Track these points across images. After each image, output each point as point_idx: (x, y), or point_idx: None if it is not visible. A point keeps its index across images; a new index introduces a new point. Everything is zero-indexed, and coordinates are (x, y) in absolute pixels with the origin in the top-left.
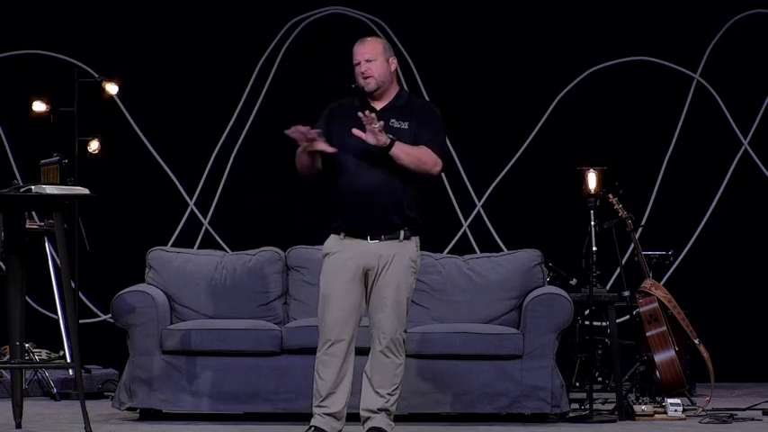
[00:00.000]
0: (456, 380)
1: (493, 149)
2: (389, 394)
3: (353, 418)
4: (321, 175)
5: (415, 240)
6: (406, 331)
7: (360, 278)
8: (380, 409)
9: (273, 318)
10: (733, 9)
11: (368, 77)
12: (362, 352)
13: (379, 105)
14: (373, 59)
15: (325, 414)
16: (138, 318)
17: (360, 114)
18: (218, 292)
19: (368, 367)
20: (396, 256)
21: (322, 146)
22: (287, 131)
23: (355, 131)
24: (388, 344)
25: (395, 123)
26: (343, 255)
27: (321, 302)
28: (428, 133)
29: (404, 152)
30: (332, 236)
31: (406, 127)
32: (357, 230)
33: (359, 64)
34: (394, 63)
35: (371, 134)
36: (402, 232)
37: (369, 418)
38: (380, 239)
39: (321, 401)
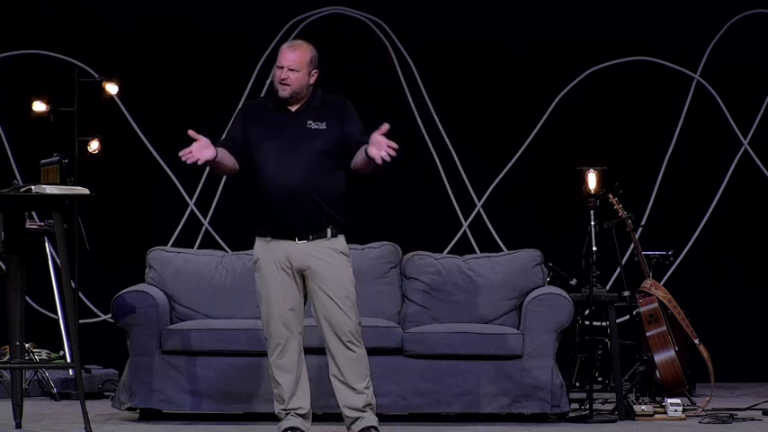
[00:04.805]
0: (456, 380)
1: (493, 149)
2: (366, 388)
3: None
4: (240, 176)
5: (341, 237)
6: (359, 323)
7: (296, 278)
8: (366, 406)
9: None
10: (733, 9)
11: (285, 85)
12: (317, 352)
13: (294, 107)
14: (296, 70)
15: (298, 415)
16: (138, 318)
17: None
18: (218, 292)
19: (334, 370)
20: (330, 254)
21: (207, 154)
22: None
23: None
24: (350, 338)
25: (312, 125)
26: (275, 258)
27: (264, 309)
28: (357, 129)
29: None
30: (258, 240)
31: (324, 127)
32: (284, 232)
33: (281, 68)
34: (315, 76)
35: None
36: (329, 230)
37: (358, 418)
38: (308, 239)
39: (287, 405)
